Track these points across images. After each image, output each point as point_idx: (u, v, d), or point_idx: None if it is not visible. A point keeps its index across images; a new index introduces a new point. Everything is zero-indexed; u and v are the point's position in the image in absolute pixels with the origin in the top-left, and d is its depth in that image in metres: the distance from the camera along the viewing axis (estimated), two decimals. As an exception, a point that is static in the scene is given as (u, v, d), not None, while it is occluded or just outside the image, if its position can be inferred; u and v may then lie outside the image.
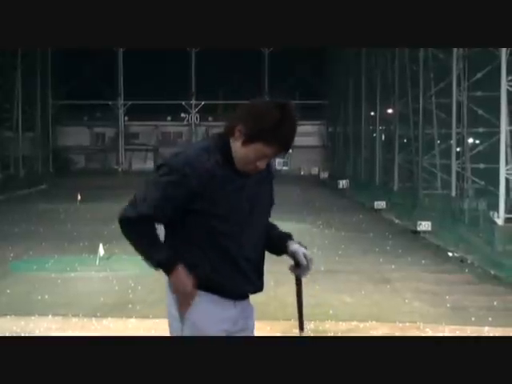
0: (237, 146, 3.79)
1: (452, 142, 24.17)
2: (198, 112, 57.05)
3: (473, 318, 10.31)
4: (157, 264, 3.86)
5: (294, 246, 4.06)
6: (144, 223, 3.82)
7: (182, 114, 57.88)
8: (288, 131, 3.74)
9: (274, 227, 4.19)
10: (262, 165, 3.81)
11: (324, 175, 48.37)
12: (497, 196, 19.10)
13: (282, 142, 3.75)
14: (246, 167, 3.82)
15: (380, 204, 26.48)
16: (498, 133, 19.28)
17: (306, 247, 4.09)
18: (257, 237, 3.97)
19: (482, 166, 21.80)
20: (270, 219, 4.18)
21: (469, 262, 15.30)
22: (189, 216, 3.83)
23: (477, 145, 23.89)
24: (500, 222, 18.42)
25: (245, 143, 3.76)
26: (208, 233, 3.83)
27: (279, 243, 4.10)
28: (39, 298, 11.50)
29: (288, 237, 4.13)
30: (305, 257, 4.00)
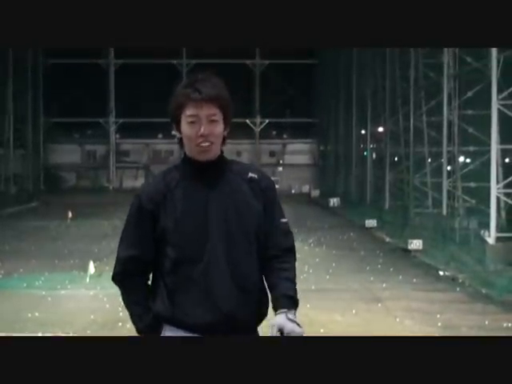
0: (183, 140, 3.75)
1: (443, 160, 24.24)
2: (189, 130, 56.95)
3: (464, 337, 10.32)
4: (138, 333, 3.76)
5: (275, 318, 3.65)
6: (128, 274, 3.72)
7: (173, 132, 57.81)
8: (185, 83, 3.71)
9: (280, 285, 3.75)
10: (204, 130, 3.64)
11: (315, 193, 48.37)
12: (488, 215, 19.08)
13: (187, 90, 3.65)
14: (195, 149, 3.67)
15: (371, 222, 26.50)
16: (489, 151, 19.29)
17: (297, 322, 3.68)
18: (233, 255, 3.63)
19: (472, 184, 21.79)
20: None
21: (460, 280, 15.31)
22: (157, 247, 3.68)
23: (468, 163, 23.92)
24: (491, 240, 18.38)
25: (177, 128, 3.76)
26: (165, 257, 3.64)
27: (273, 307, 3.73)
28: (29, 315, 11.46)
29: (284, 304, 3.69)
30: (281, 332, 3.59)
